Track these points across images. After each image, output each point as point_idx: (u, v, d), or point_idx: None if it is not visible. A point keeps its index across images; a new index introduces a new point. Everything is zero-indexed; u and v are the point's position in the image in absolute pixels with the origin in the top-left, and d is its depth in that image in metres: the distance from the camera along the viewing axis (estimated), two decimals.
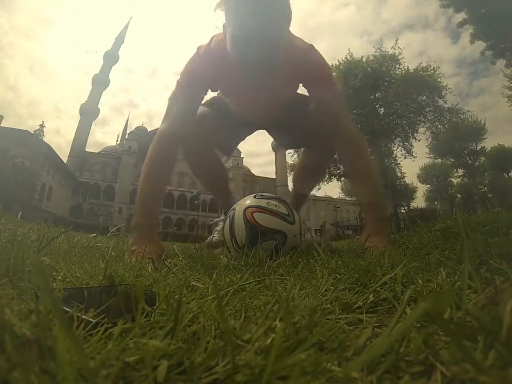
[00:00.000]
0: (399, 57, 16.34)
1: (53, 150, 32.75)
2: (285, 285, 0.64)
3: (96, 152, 53.89)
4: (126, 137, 53.71)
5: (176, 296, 0.46)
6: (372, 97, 16.80)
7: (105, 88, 63.81)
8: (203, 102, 1.46)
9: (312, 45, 1.33)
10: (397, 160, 18.64)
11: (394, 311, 0.45)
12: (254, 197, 1.31)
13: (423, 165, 41.73)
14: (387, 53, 16.58)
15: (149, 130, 66.18)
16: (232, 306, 0.45)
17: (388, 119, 16.29)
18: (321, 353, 0.29)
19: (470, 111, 18.79)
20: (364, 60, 16.54)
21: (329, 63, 1.86)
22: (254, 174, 60.21)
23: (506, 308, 0.25)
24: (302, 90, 1.47)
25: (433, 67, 15.42)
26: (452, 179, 40.77)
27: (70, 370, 0.19)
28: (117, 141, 66.30)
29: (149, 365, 0.23)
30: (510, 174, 37.03)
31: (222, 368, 0.25)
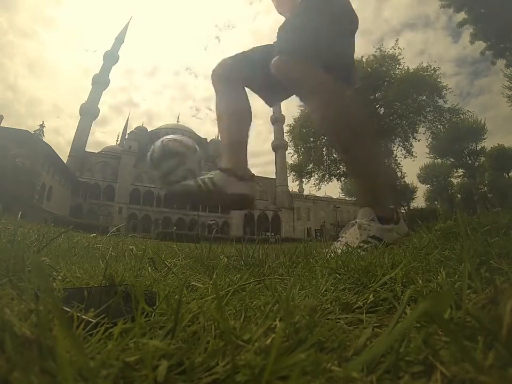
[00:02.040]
0: (399, 57, 16.34)
1: (53, 150, 32.75)
2: (285, 285, 0.65)
3: (96, 152, 53.93)
4: (126, 137, 53.73)
5: (176, 296, 0.46)
6: (372, 97, 16.79)
7: (105, 88, 63.85)
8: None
9: None
10: (397, 160, 18.65)
11: (394, 311, 0.45)
12: None
13: (423, 165, 41.79)
14: (387, 53, 16.57)
15: (149, 130, 66.31)
16: (232, 306, 0.45)
17: (387, 119, 16.29)
18: (321, 353, 0.29)
19: (470, 111, 18.79)
20: (364, 60, 16.53)
21: None
22: (254, 174, 60.10)
23: (506, 308, 0.25)
24: None
25: (434, 67, 15.43)
26: (452, 179, 40.82)
27: (70, 370, 0.19)
28: (117, 141, 66.37)
29: (149, 365, 0.23)
30: (510, 174, 37.04)
31: (222, 368, 0.25)
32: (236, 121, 1.33)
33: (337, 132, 1.29)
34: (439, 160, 35.83)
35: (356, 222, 1.20)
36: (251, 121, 1.38)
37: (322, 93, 1.25)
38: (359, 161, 1.27)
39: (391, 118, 16.39)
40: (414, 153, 16.99)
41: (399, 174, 23.19)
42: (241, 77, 1.39)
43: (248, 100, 1.40)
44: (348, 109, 1.27)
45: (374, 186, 1.24)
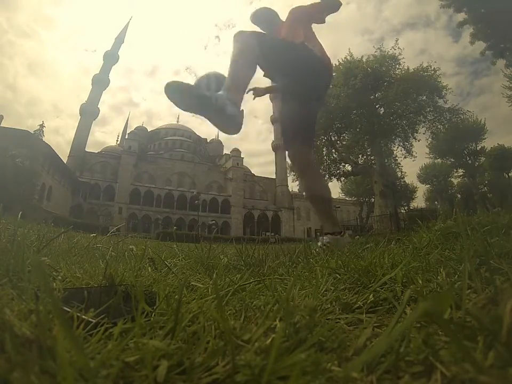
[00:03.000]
0: (399, 57, 16.31)
1: (53, 150, 32.73)
2: (285, 285, 0.65)
3: (96, 152, 53.89)
4: (126, 137, 53.68)
5: (176, 296, 0.46)
6: (372, 97, 16.76)
7: (105, 88, 63.79)
8: None
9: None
10: (397, 160, 18.63)
11: (394, 311, 0.45)
12: None
13: (423, 165, 41.75)
14: (387, 53, 16.54)
15: (148, 130, 66.31)
16: (232, 306, 0.45)
17: (387, 119, 16.24)
18: (321, 353, 0.29)
19: (470, 111, 18.70)
20: (364, 60, 16.50)
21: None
22: (254, 174, 60.22)
23: (506, 308, 0.25)
24: None
25: (434, 68, 15.40)
26: (452, 179, 40.79)
27: (70, 370, 0.19)
28: (117, 141, 66.39)
29: (149, 365, 0.23)
30: (510, 174, 37.02)
31: (222, 368, 0.25)
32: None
33: (313, 195, 2.04)
34: (439, 160, 35.82)
35: (323, 237, 1.87)
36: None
37: (308, 170, 2.07)
38: (321, 211, 2.04)
39: (391, 118, 16.35)
40: (414, 153, 16.96)
41: (399, 174, 23.18)
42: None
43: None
44: (319, 179, 2.23)
45: (330, 222, 1.99)
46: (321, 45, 2.10)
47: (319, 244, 1.72)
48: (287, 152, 2.11)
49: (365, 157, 18.04)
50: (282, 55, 1.89)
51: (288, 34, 2.09)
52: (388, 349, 0.27)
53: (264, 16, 2.24)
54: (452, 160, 34.04)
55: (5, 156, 18.57)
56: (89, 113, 56.59)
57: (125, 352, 0.26)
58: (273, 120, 61.96)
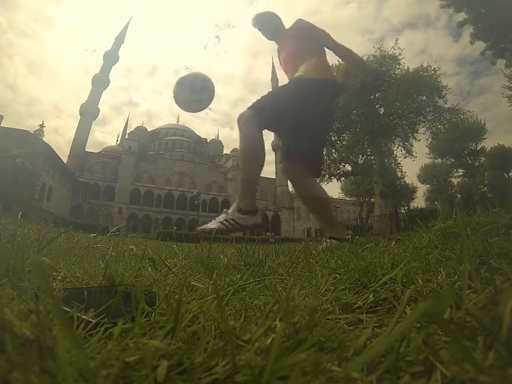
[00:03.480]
0: (399, 57, 16.32)
1: (53, 150, 32.72)
2: (285, 285, 0.65)
3: (96, 152, 53.90)
4: (126, 137, 53.69)
5: (176, 296, 0.46)
6: (372, 97, 16.77)
7: (105, 88, 63.81)
8: None
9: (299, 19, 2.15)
10: (397, 160, 18.67)
11: (394, 311, 0.45)
12: None
13: (423, 165, 41.76)
14: (387, 53, 16.56)
15: (149, 130, 66.28)
16: (232, 306, 0.45)
17: (387, 119, 16.26)
18: (321, 353, 0.29)
19: (470, 111, 18.72)
20: (364, 60, 16.53)
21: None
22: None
23: (506, 308, 0.25)
24: None
25: (434, 68, 15.42)
26: (452, 179, 40.80)
27: (70, 370, 0.19)
28: (117, 141, 66.41)
29: (149, 365, 0.23)
30: (510, 174, 37.02)
31: (222, 368, 0.25)
32: (253, 164, 1.82)
33: (308, 200, 2.08)
34: (439, 160, 35.84)
35: (326, 240, 1.86)
36: (263, 165, 1.86)
37: (305, 186, 2.05)
38: (320, 215, 2.15)
39: (391, 118, 16.36)
40: (414, 153, 16.98)
41: (399, 174, 23.20)
42: (260, 122, 1.85)
43: (264, 145, 1.89)
44: (312, 185, 2.09)
45: (330, 225, 2.04)
46: (327, 62, 2.05)
47: (323, 246, 1.68)
48: (281, 165, 2.05)
49: (365, 157, 18.04)
50: (282, 114, 1.85)
51: (295, 48, 2.05)
52: (388, 349, 0.27)
53: (267, 22, 2.14)
54: (452, 160, 34.05)
55: (5, 156, 18.56)
56: (89, 113, 56.58)
57: (125, 352, 0.26)
58: None
